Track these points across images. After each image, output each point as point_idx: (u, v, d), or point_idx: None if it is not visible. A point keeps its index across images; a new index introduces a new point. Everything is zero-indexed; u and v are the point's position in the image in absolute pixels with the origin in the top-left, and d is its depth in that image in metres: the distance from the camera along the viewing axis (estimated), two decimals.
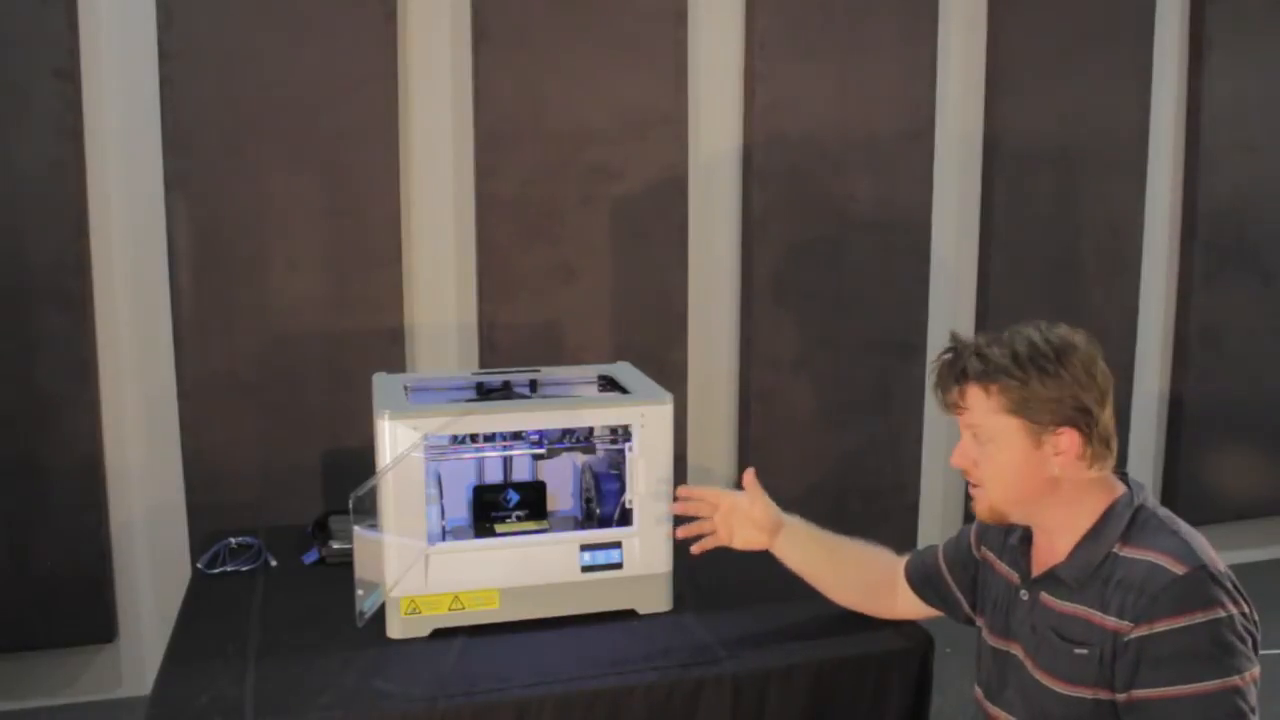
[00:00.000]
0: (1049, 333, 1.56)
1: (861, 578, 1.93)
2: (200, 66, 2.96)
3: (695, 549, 1.94)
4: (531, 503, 2.03)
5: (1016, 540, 1.68)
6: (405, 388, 2.03)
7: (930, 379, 1.65)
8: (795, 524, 1.95)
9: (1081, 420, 1.52)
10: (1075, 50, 3.69)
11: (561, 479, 2.12)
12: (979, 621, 1.76)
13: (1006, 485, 1.58)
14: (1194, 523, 1.59)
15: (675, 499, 1.94)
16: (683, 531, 1.93)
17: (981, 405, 1.56)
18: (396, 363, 3.16)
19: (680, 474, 3.22)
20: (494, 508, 2.01)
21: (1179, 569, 1.45)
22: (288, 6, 3.00)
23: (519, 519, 2.01)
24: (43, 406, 2.96)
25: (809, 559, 1.93)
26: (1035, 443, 1.54)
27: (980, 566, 1.77)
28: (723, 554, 2.18)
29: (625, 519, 1.97)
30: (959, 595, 1.81)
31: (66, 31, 2.88)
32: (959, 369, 1.58)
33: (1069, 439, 1.53)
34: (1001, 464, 1.56)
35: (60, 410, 2.98)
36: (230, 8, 2.96)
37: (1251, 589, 1.50)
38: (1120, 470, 1.62)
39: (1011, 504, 1.59)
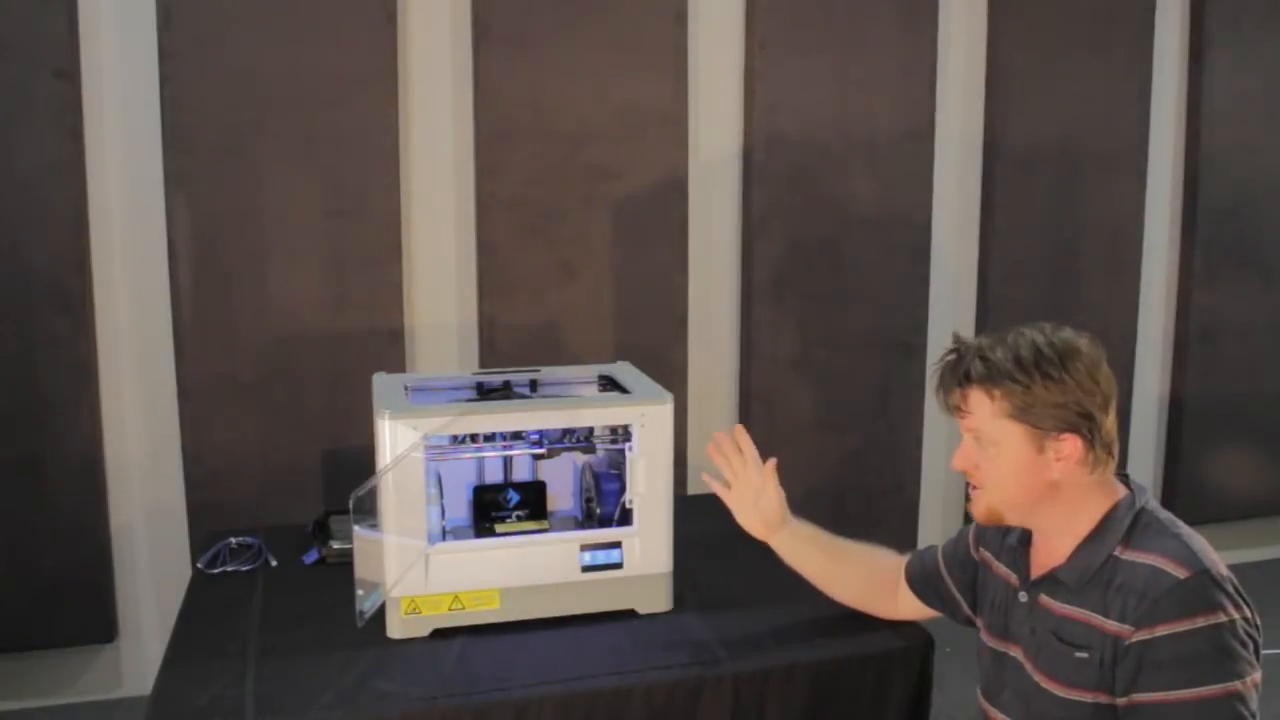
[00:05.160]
0: (1053, 336, 1.53)
1: (861, 578, 1.93)
2: (200, 66, 2.96)
3: (705, 477, 1.97)
4: (531, 503, 2.03)
5: (1015, 541, 1.68)
6: (405, 388, 2.03)
7: (932, 381, 1.63)
8: (799, 526, 1.95)
9: (1084, 426, 1.50)
10: (1075, 50, 3.69)
11: (561, 479, 2.12)
12: (978, 623, 1.76)
13: (1005, 489, 1.56)
14: (1194, 523, 1.59)
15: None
16: (707, 477, 1.97)
17: (984, 409, 1.54)
18: (396, 363, 3.16)
19: (680, 474, 3.24)
20: (494, 508, 2.01)
21: (1181, 573, 1.44)
22: (288, 6, 3.00)
23: (519, 519, 2.01)
24: (43, 406, 2.96)
25: (808, 559, 1.94)
26: (1037, 448, 1.52)
27: (979, 568, 1.77)
28: (723, 554, 2.19)
29: (625, 519, 1.97)
30: (958, 596, 1.80)
31: (66, 31, 2.88)
32: (962, 372, 1.55)
33: (1071, 445, 1.51)
34: (1002, 468, 1.55)
35: (60, 410, 2.98)
36: (230, 7, 2.96)
37: (1251, 589, 1.49)
38: (1121, 472, 1.62)
39: (1009, 507, 1.58)
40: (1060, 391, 1.50)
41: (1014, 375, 1.50)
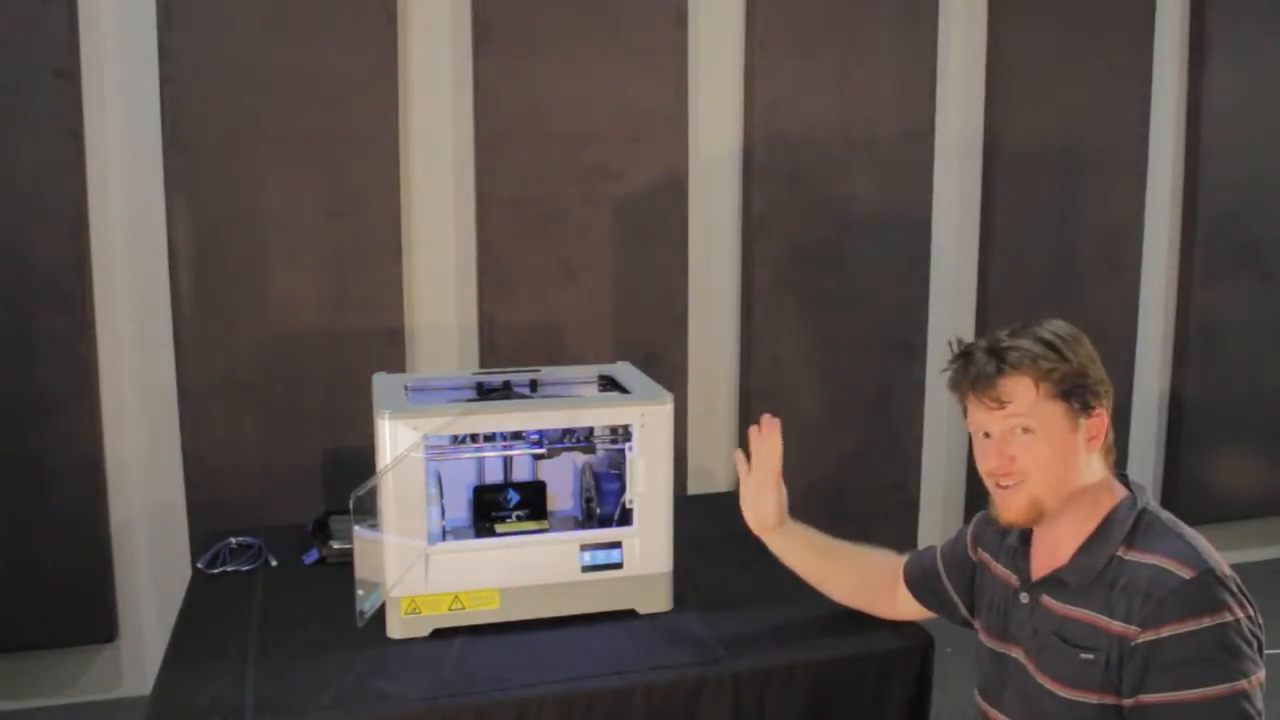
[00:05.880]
0: (1053, 324, 1.58)
1: (856, 579, 1.94)
2: (200, 66, 2.96)
3: (737, 454, 1.96)
4: (532, 503, 2.03)
5: (1015, 541, 1.67)
6: (405, 388, 2.03)
7: (954, 381, 1.61)
8: (795, 528, 1.95)
9: (1106, 399, 1.56)
10: (1075, 50, 3.69)
11: (561, 479, 2.12)
12: (976, 624, 1.76)
13: (1052, 475, 1.54)
14: (1194, 523, 1.59)
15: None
16: (739, 457, 1.97)
17: (1027, 394, 1.54)
18: (396, 363, 3.16)
19: (680, 474, 3.24)
20: (494, 508, 2.01)
21: (1186, 573, 1.44)
22: (288, 7, 3.00)
23: (519, 519, 2.01)
24: (43, 406, 2.96)
25: (800, 558, 1.95)
26: (1073, 426, 1.55)
27: (977, 569, 1.77)
28: (723, 554, 2.19)
29: (625, 519, 1.97)
30: (956, 599, 1.80)
31: (66, 31, 2.88)
32: (995, 363, 1.55)
33: (1100, 421, 1.55)
34: (1044, 452, 1.54)
35: (60, 410, 2.98)
36: (231, 8, 2.96)
37: (1252, 589, 1.50)
38: (1121, 473, 1.62)
39: (1055, 495, 1.55)
40: (1090, 366, 1.55)
41: (1048, 356, 1.53)
